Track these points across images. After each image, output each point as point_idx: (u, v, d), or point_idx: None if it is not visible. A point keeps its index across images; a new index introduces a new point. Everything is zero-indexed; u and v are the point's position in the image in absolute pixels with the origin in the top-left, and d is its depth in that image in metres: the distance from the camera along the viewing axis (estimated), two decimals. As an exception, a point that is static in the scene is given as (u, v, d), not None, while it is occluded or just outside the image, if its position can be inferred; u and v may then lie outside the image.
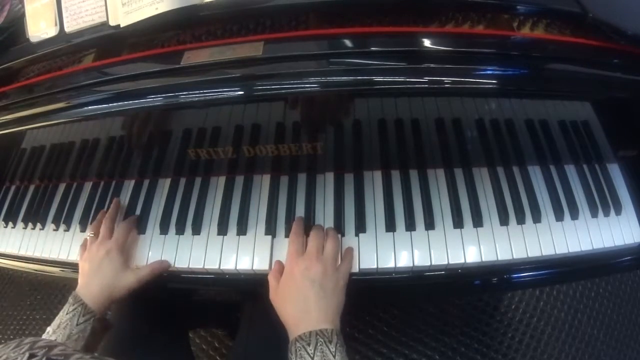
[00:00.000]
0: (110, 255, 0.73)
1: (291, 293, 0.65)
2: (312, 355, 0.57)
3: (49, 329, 0.67)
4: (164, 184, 0.84)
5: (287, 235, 0.74)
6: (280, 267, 0.70)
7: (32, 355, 0.41)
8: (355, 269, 0.70)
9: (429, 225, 0.72)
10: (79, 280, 0.73)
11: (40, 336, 0.64)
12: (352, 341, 1.27)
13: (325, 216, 0.75)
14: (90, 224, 0.82)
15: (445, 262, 0.69)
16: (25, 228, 0.89)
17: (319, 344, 0.58)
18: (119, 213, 0.82)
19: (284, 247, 0.72)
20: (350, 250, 0.71)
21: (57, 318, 0.68)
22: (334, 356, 0.57)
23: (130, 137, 0.76)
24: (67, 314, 0.67)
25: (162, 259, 0.76)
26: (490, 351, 1.23)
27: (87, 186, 0.89)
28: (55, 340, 0.64)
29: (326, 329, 0.60)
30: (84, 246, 0.79)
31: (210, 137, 0.74)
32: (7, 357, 0.41)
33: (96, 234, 0.78)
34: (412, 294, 0.90)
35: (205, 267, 0.74)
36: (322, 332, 0.59)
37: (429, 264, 0.70)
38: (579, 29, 0.63)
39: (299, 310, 0.63)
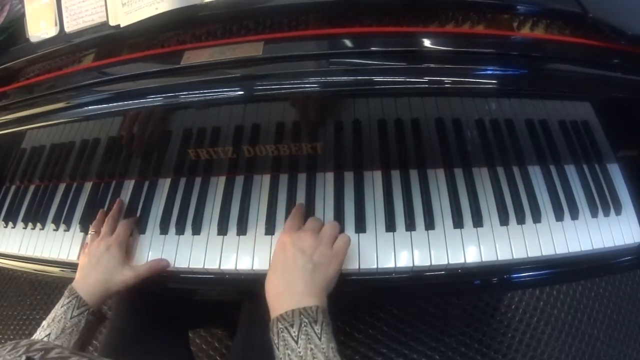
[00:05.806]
0: (111, 251, 0.73)
1: (278, 263, 0.63)
2: (296, 339, 0.53)
3: (44, 322, 0.67)
4: (164, 184, 0.84)
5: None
6: None
7: (28, 359, 0.40)
8: (355, 267, 0.70)
9: (429, 225, 0.72)
10: (77, 275, 0.73)
11: (37, 331, 0.65)
12: (352, 341, 1.27)
13: (325, 216, 0.75)
14: (91, 223, 0.82)
15: (445, 262, 0.69)
16: (25, 228, 0.89)
17: (303, 325, 0.54)
18: (121, 213, 0.82)
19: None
20: (347, 235, 0.68)
21: (52, 311, 0.68)
22: (320, 338, 0.53)
23: (130, 138, 0.76)
24: (61, 307, 0.68)
25: (162, 258, 0.76)
26: (490, 351, 1.23)
27: (87, 186, 0.88)
28: (50, 334, 0.64)
29: (310, 306, 0.55)
30: (85, 245, 0.79)
31: (210, 137, 0.74)
32: (4, 359, 0.40)
33: (97, 232, 0.78)
34: (412, 294, 0.89)
35: (205, 267, 0.74)
36: (307, 311, 0.55)
37: (429, 264, 0.70)
38: (579, 29, 0.63)
39: (284, 280, 0.60)
